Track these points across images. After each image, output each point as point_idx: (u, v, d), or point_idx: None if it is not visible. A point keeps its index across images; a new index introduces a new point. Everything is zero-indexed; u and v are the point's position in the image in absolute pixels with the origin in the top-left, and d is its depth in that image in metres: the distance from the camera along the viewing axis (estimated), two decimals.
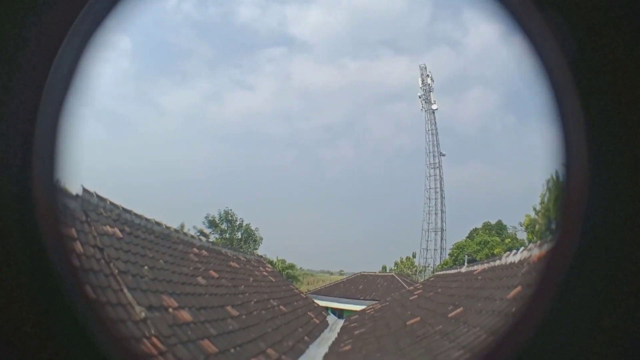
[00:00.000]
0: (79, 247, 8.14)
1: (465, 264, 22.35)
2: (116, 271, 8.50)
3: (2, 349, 1.93)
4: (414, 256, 75.39)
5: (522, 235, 50.10)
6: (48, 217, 1.98)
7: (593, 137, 1.69)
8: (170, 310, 9.04)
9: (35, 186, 1.92)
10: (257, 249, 46.26)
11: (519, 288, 9.13)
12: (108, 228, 10.11)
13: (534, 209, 44.71)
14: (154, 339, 7.38)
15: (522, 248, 13.02)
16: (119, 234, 10.39)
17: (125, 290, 8.15)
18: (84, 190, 10.11)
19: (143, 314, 7.79)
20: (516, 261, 12.39)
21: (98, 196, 10.72)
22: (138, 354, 4.88)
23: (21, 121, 1.86)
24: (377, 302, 29.13)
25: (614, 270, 1.75)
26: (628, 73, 1.70)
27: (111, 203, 11.28)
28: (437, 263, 75.70)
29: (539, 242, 11.48)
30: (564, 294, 1.76)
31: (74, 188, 9.73)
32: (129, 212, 12.24)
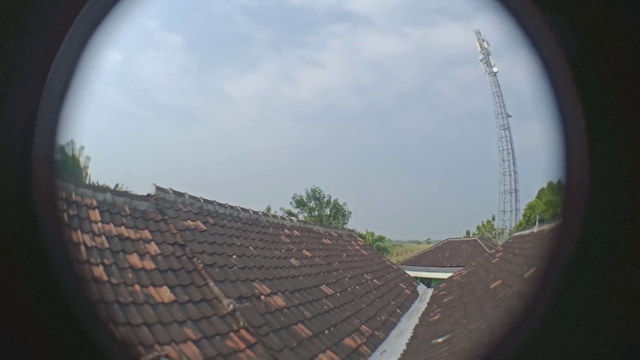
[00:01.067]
0: (154, 247, 7.80)
1: (537, 224, 21.38)
2: (200, 266, 8.04)
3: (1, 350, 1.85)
4: (493, 219, 74.17)
5: None
6: (49, 217, 1.85)
7: (593, 137, 1.64)
8: (263, 297, 8.61)
9: (35, 186, 1.81)
10: (346, 223, 45.55)
11: None
12: (189, 222, 9.67)
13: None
14: (243, 332, 6.97)
15: None
16: (203, 227, 9.90)
17: (212, 283, 7.72)
18: (158, 188, 9.70)
19: (231, 307, 7.35)
20: None
21: (174, 192, 10.29)
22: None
23: (21, 119, 1.78)
24: (462, 267, 27.92)
25: (614, 270, 1.67)
26: (628, 73, 1.63)
27: (190, 197, 10.81)
28: (513, 225, 74.11)
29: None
30: (563, 294, 1.70)
31: (146, 189, 9.61)
32: (211, 202, 11.70)
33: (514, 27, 1.69)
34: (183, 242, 8.51)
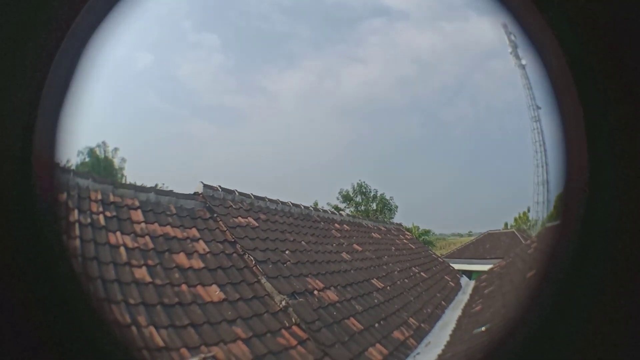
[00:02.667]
0: (202, 246, 7.36)
1: None
2: (252, 263, 7.55)
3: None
4: (528, 210, 72.82)
5: None
6: (50, 215, 1.73)
7: (593, 137, 1.53)
8: (316, 292, 8.17)
9: (36, 183, 1.70)
10: (392, 217, 44.99)
11: None
12: (240, 219, 9.22)
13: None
14: (295, 328, 6.51)
15: None
16: (255, 223, 9.47)
17: (264, 280, 7.26)
18: (205, 186, 9.21)
19: (283, 303, 6.89)
20: None
21: (223, 189, 9.84)
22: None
23: (21, 117, 1.67)
24: (501, 259, 26.80)
25: (614, 270, 1.56)
26: (628, 73, 1.51)
27: (240, 194, 10.36)
28: (545, 216, 72.73)
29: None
30: (563, 295, 1.60)
31: (194, 187, 9.18)
32: (262, 199, 11.24)
33: (514, 27, 1.65)
34: (233, 240, 8.01)
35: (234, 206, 9.56)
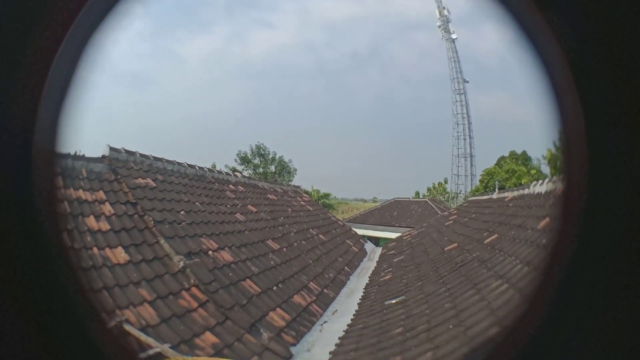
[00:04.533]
0: (108, 208, 8.01)
1: (497, 190, 22.28)
2: (151, 223, 8.39)
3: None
4: (445, 182, 76.05)
5: (546, 169, 50.07)
6: (49, 213, 1.78)
7: (593, 137, 1.63)
8: (211, 252, 8.95)
9: (36, 181, 1.74)
10: (291, 180, 46.26)
11: (547, 219, 9.02)
12: (140, 180, 9.99)
13: (554, 144, 44.70)
14: (194, 289, 7.31)
15: (547, 179, 12.90)
16: (152, 184, 10.30)
17: (162, 241, 8.05)
18: (111, 149, 9.92)
19: (182, 264, 7.68)
20: (543, 192, 12.30)
21: (126, 151, 10.50)
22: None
23: (22, 116, 1.71)
24: (412, 228, 28.89)
25: (614, 270, 1.67)
26: (629, 73, 1.62)
27: (141, 155, 11.11)
28: (468, 189, 76.06)
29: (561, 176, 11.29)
30: (562, 296, 1.70)
31: (100, 151, 9.79)
32: (160, 160, 12.09)
33: (514, 27, 1.70)
34: (135, 201, 8.81)
35: (135, 167, 10.27)
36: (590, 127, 1.62)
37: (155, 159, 11.98)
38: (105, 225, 7.48)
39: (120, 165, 9.81)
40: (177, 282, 7.25)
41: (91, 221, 7.36)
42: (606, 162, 1.63)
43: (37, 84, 1.71)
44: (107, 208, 8.02)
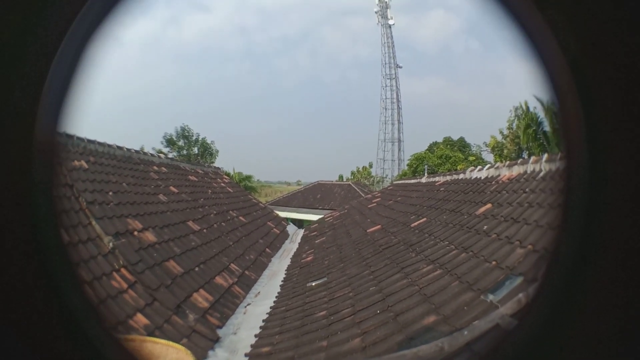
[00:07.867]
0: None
1: (426, 174, 22.79)
2: (84, 205, 8.48)
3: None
4: (370, 166, 76.83)
5: (488, 156, 51.32)
6: (49, 205, 1.63)
7: (594, 137, 1.65)
8: (136, 233, 9.15)
9: (35, 179, 1.58)
10: (213, 162, 46.54)
11: (489, 205, 9.24)
12: (75, 162, 10.18)
13: (501, 132, 45.80)
14: (123, 270, 7.42)
15: (489, 165, 13.08)
16: (85, 165, 10.50)
17: (94, 222, 8.14)
18: None
19: (111, 244, 7.81)
20: (482, 177, 12.55)
21: (66, 134, 10.45)
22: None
23: (22, 114, 1.59)
24: (335, 210, 29.64)
25: (615, 270, 1.68)
26: (629, 72, 1.63)
27: (78, 138, 11.37)
28: (395, 174, 77.10)
29: (507, 163, 11.66)
30: (564, 294, 1.72)
31: None
32: (93, 142, 12.39)
33: (514, 27, 1.67)
34: (71, 183, 8.83)
35: (72, 149, 10.41)
36: (590, 127, 1.63)
37: (89, 141, 12.34)
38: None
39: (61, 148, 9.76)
40: (108, 263, 7.35)
41: None
42: (607, 162, 1.64)
43: (37, 85, 1.60)
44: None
